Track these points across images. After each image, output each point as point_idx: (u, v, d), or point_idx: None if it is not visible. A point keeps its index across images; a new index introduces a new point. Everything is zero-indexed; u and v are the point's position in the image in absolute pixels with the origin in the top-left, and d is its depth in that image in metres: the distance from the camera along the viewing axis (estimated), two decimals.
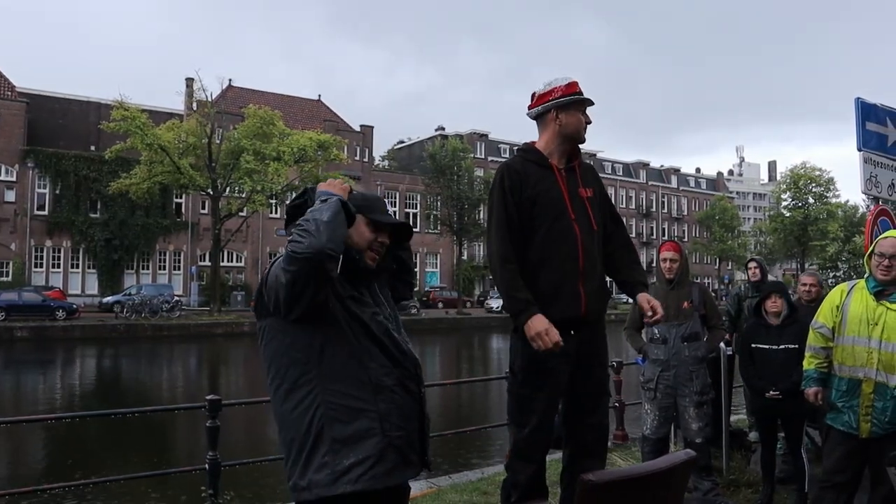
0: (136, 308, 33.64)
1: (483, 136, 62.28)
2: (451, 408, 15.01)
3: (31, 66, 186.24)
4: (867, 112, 5.85)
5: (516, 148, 3.51)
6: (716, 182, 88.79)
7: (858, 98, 5.83)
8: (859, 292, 3.61)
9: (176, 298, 37.09)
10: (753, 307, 5.06)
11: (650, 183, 76.59)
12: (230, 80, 49.52)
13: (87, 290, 40.77)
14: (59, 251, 40.81)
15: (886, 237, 3.61)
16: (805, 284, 5.69)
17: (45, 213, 40.28)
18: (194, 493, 7.72)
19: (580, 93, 3.17)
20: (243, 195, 36.18)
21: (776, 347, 4.67)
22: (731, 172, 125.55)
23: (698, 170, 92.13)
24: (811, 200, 59.73)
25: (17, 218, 39.38)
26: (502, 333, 33.67)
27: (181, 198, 43.42)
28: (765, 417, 4.88)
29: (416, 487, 5.34)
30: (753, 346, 4.80)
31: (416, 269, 54.50)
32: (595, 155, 66.70)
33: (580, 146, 3.28)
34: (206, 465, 5.21)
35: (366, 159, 53.03)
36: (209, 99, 36.49)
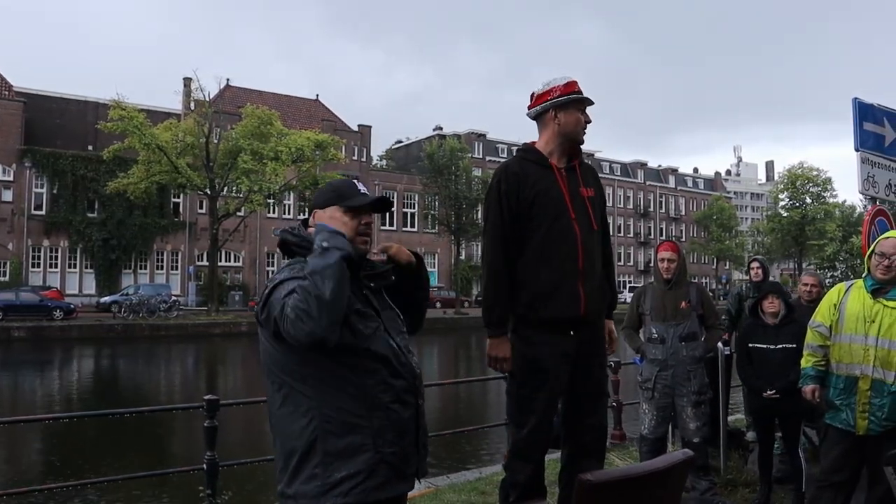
0: (134, 308, 33.61)
1: (481, 136, 62.30)
2: (448, 408, 15.02)
3: (31, 66, 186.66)
4: (864, 112, 5.85)
5: (516, 148, 3.52)
6: (713, 182, 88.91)
7: (856, 98, 5.84)
8: (857, 291, 3.63)
9: (173, 298, 37.04)
10: (751, 307, 5.07)
11: (648, 183, 76.64)
12: (228, 79, 49.50)
13: (84, 289, 40.71)
14: (57, 251, 40.74)
15: (887, 237, 3.62)
16: (806, 284, 5.70)
17: (43, 212, 40.20)
18: (192, 494, 7.71)
19: (579, 92, 3.16)
20: (241, 195, 36.16)
21: (774, 347, 4.68)
22: (728, 172, 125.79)
23: (696, 170, 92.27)
24: (809, 200, 59.88)
25: (15, 217, 39.31)
26: None
27: (179, 197, 43.35)
28: (762, 417, 4.89)
29: (414, 487, 5.34)
30: (751, 345, 4.81)
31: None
32: (593, 155, 66.72)
33: (580, 146, 3.28)
34: (204, 466, 5.20)
35: (364, 159, 53.02)
36: (207, 98, 36.48)
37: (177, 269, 44.50)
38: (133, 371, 23.36)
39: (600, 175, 3.54)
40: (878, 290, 3.53)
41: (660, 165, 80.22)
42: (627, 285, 61.74)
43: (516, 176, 3.16)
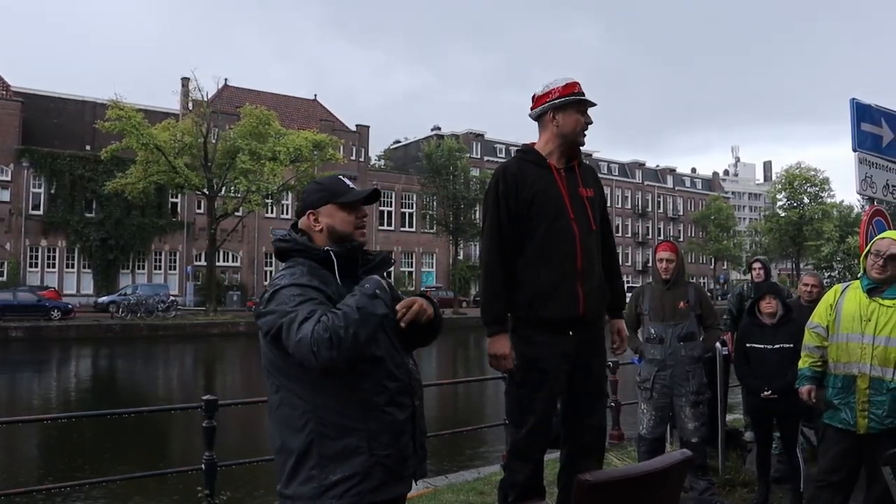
0: (132, 308, 33.57)
1: (479, 136, 62.28)
2: (447, 408, 15.03)
3: (31, 66, 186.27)
4: (862, 113, 5.86)
5: (515, 149, 3.53)
6: (711, 182, 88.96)
7: (853, 99, 5.85)
8: (853, 291, 3.65)
9: (172, 298, 37.02)
10: (748, 308, 5.08)
11: (646, 183, 76.68)
12: (226, 79, 49.42)
13: (82, 289, 40.65)
14: (55, 251, 40.67)
15: (883, 237, 3.64)
16: (807, 285, 5.70)
17: (41, 212, 40.14)
18: (191, 494, 7.71)
19: (579, 93, 3.15)
20: (239, 195, 36.14)
21: (771, 347, 4.69)
22: (726, 172, 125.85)
23: (694, 170, 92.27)
24: (806, 200, 59.97)
25: (12, 217, 39.25)
26: None
27: (177, 197, 43.32)
28: (760, 417, 4.90)
29: (413, 487, 5.35)
30: (748, 345, 4.82)
31: (413, 270, 54.54)
32: (591, 155, 66.71)
33: (580, 147, 3.28)
34: (203, 466, 5.21)
35: (362, 159, 52.99)
36: (205, 98, 36.46)
37: (175, 268, 44.44)
38: (131, 371, 23.33)
39: (598, 175, 3.52)
40: (873, 290, 3.55)
41: (658, 165, 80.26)
42: (626, 285, 61.71)
43: (514, 176, 3.17)
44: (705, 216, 69.74)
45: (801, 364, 3.87)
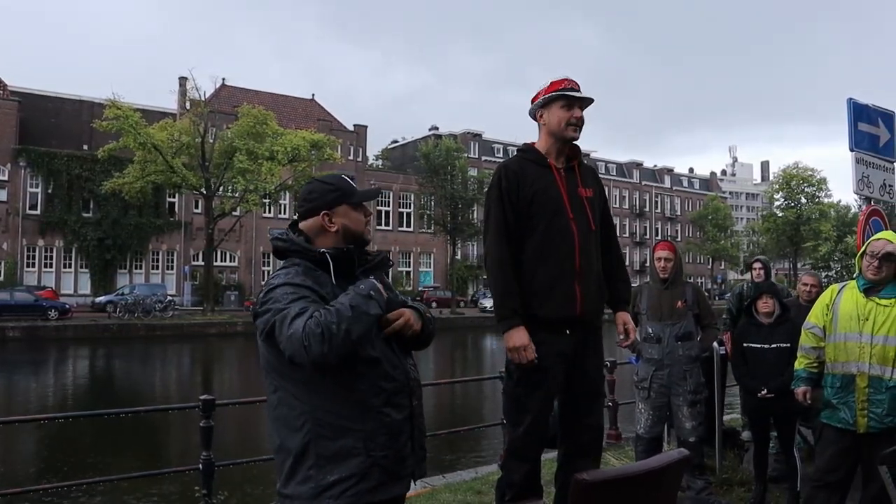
0: (129, 308, 33.52)
1: (477, 136, 62.28)
2: (444, 407, 15.03)
3: (31, 66, 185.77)
4: (859, 113, 5.87)
5: (516, 148, 3.54)
6: (709, 182, 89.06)
7: (850, 99, 5.85)
8: (850, 291, 3.66)
9: (169, 298, 37.00)
10: (745, 307, 5.09)
11: (643, 183, 76.75)
12: (223, 79, 49.35)
13: (79, 289, 40.59)
14: (52, 251, 40.61)
15: (878, 238, 3.66)
16: (806, 285, 5.71)
17: (38, 212, 40.06)
18: (188, 494, 7.71)
19: (564, 89, 3.17)
20: (237, 195, 36.10)
21: (768, 346, 4.69)
22: (724, 172, 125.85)
23: (691, 170, 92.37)
24: (803, 200, 60.02)
25: (9, 217, 39.18)
26: (496, 333, 33.65)
27: (174, 197, 43.23)
28: (758, 417, 4.91)
29: (411, 487, 5.35)
30: (745, 345, 4.82)
31: (410, 270, 54.49)
32: (589, 155, 66.77)
33: (578, 145, 3.29)
34: (200, 466, 5.21)
35: (359, 159, 52.98)
36: (202, 98, 36.42)
37: (172, 268, 44.39)
38: (129, 371, 23.31)
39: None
40: (870, 289, 3.57)
41: (655, 165, 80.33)
42: None
43: (516, 174, 3.19)
44: (703, 216, 69.82)
45: (797, 365, 3.89)
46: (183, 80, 39.88)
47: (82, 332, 30.08)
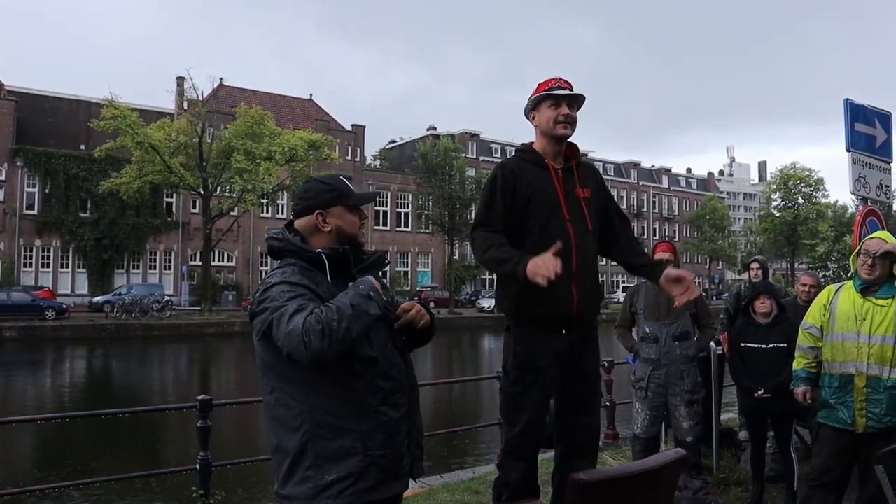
0: (127, 308, 33.47)
1: (475, 136, 62.29)
2: (442, 407, 15.02)
3: (31, 66, 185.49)
4: (856, 113, 5.88)
5: (514, 148, 3.55)
6: (706, 182, 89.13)
7: (847, 99, 5.87)
8: (847, 291, 3.67)
9: (167, 298, 36.94)
10: (743, 307, 5.10)
11: (641, 183, 76.81)
12: (221, 79, 49.30)
13: (76, 289, 40.52)
14: (49, 251, 40.53)
15: (872, 238, 3.67)
16: (805, 285, 5.72)
17: (35, 212, 39.98)
18: (185, 494, 7.70)
19: (551, 89, 3.17)
20: (234, 195, 36.04)
21: (765, 346, 4.70)
22: (721, 172, 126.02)
23: (689, 170, 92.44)
24: (801, 200, 60.10)
25: (6, 217, 39.09)
26: (493, 333, 33.71)
27: (172, 197, 43.16)
28: (755, 416, 4.91)
29: (410, 486, 5.35)
30: (743, 345, 4.83)
31: (408, 269, 54.49)
32: (587, 154, 66.80)
33: (576, 145, 3.29)
34: (197, 466, 5.20)
35: (357, 159, 52.95)
36: (200, 98, 36.39)
37: (170, 268, 44.33)
38: (126, 371, 23.28)
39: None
40: (866, 290, 3.58)
41: (653, 165, 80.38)
42: (621, 285, 61.84)
43: (513, 173, 3.19)
44: (700, 216, 69.86)
45: (795, 365, 3.89)
46: (180, 80, 39.87)
47: (79, 333, 30.03)
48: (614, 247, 3.33)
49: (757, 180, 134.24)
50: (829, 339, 3.66)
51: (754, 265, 6.67)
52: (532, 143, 3.33)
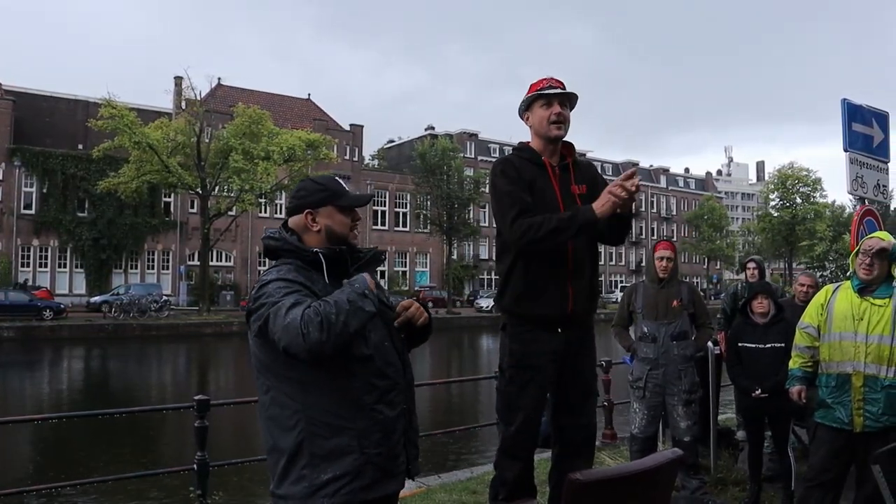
0: (125, 308, 33.43)
1: (473, 136, 62.29)
2: (440, 407, 15.01)
3: (31, 66, 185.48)
4: (853, 113, 5.89)
5: (509, 148, 3.55)
6: (704, 182, 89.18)
7: (845, 99, 5.87)
8: (844, 291, 3.68)
9: (164, 298, 36.88)
10: (740, 307, 5.10)
11: (639, 183, 76.81)
12: (219, 78, 49.34)
13: (74, 289, 40.46)
14: (47, 250, 40.47)
15: (871, 237, 3.67)
16: (803, 285, 5.72)
17: (32, 212, 39.91)
18: (183, 494, 7.69)
19: (542, 89, 3.17)
20: (232, 194, 36.01)
21: (763, 346, 4.70)
22: (719, 172, 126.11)
23: (687, 170, 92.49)
24: (799, 200, 60.18)
25: (4, 217, 39.02)
26: (492, 333, 33.69)
27: (170, 197, 43.14)
28: (752, 416, 4.92)
29: (406, 487, 5.34)
30: (740, 345, 4.83)
31: (406, 269, 54.43)
32: (585, 154, 66.82)
33: (572, 143, 3.29)
34: (195, 466, 5.20)
35: (355, 158, 52.93)
36: (198, 98, 36.35)
37: (168, 268, 44.29)
38: (124, 371, 23.24)
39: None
40: (864, 289, 3.58)
41: (651, 165, 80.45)
42: (618, 285, 61.90)
43: (515, 168, 3.20)
44: (698, 216, 69.91)
45: (791, 365, 3.89)
46: (178, 80, 39.82)
47: (77, 332, 29.97)
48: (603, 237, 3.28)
49: (755, 180, 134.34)
50: (826, 339, 3.67)
51: (751, 265, 6.67)
52: (528, 142, 3.34)
